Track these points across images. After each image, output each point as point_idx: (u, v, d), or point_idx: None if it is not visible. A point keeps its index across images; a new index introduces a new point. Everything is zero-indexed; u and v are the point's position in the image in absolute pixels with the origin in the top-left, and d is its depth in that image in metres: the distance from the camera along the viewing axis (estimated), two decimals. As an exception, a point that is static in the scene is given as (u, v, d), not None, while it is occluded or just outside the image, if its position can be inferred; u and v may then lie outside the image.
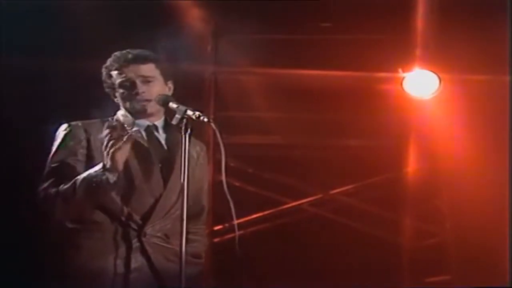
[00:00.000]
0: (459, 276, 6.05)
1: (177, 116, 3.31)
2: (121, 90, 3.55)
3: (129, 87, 3.53)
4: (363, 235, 6.25)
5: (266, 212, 6.37)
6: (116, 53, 3.61)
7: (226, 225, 5.91)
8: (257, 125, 6.36)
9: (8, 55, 5.15)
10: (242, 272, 3.47)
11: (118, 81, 3.55)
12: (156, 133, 3.58)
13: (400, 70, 6.09)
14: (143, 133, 3.55)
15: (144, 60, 3.56)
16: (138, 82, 3.52)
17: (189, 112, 3.28)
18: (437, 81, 6.03)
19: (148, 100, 3.52)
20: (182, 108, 3.32)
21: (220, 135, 3.27)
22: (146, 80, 3.53)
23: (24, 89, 5.21)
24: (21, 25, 5.21)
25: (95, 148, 3.45)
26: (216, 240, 6.10)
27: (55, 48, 5.30)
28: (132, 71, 3.53)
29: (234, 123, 6.06)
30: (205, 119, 3.27)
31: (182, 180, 3.20)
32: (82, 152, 3.45)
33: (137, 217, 3.41)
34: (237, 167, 6.10)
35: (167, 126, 3.58)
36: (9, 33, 5.18)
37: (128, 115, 3.56)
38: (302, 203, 6.48)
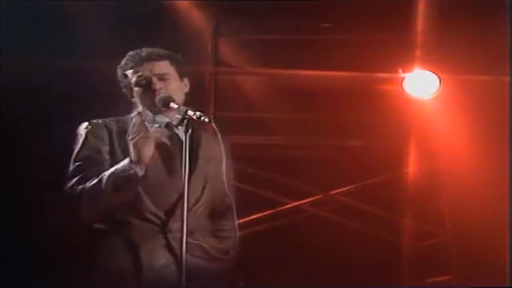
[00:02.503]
0: (459, 276, 6.05)
1: (178, 116, 3.31)
2: (137, 88, 3.55)
3: (146, 84, 3.53)
4: (363, 235, 6.25)
5: (266, 213, 6.37)
6: (130, 52, 3.61)
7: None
8: (257, 125, 6.36)
9: (9, 55, 5.15)
10: (242, 272, 3.46)
11: (134, 79, 3.55)
12: (175, 130, 3.58)
13: (400, 70, 6.08)
14: (165, 130, 3.55)
15: (158, 57, 3.57)
16: (154, 79, 3.53)
17: (190, 113, 3.28)
18: (437, 81, 6.03)
19: None
20: (183, 108, 3.33)
21: (220, 135, 3.27)
22: (162, 78, 3.54)
23: (26, 89, 5.21)
24: (21, 25, 5.21)
25: (117, 145, 3.46)
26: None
27: (54, 48, 5.30)
28: (147, 69, 3.54)
29: (234, 123, 6.06)
30: (206, 119, 3.27)
31: (183, 179, 3.20)
32: (105, 149, 3.46)
33: (161, 214, 3.41)
34: (237, 167, 6.08)
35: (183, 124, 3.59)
36: (9, 33, 5.18)
37: (148, 112, 3.55)
38: (302, 204, 6.48)
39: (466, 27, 5.67)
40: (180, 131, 3.54)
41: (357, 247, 6.11)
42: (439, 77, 6.03)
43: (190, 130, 3.25)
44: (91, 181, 3.35)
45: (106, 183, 3.31)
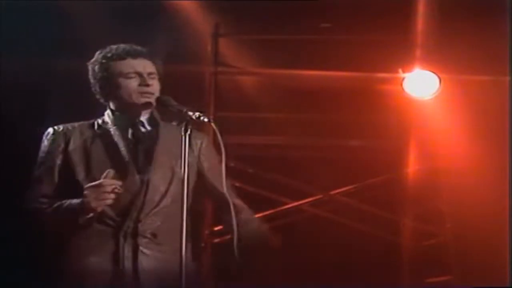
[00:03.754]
0: (459, 276, 6.05)
1: (176, 118, 3.30)
2: (126, 81, 3.48)
3: (138, 78, 3.48)
4: (363, 235, 6.24)
5: (266, 213, 6.35)
6: (114, 46, 3.55)
7: (226, 225, 5.90)
8: (257, 125, 6.36)
9: (8, 55, 5.14)
10: (242, 272, 3.45)
11: (126, 71, 3.48)
12: (142, 128, 3.53)
13: (400, 70, 6.08)
14: (129, 130, 3.49)
15: (147, 55, 3.54)
16: (145, 75, 3.50)
17: (189, 113, 3.26)
18: (437, 81, 6.03)
19: (152, 94, 3.49)
20: (182, 108, 3.31)
21: (220, 135, 3.26)
22: (150, 76, 3.51)
23: (24, 89, 5.21)
24: (21, 25, 5.21)
25: (73, 152, 3.44)
26: (216, 240, 6.10)
27: (54, 48, 5.30)
28: (141, 65, 3.50)
29: (234, 123, 6.06)
30: (205, 119, 3.25)
31: (183, 180, 3.18)
32: (60, 157, 3.45)
33: (116, 217, 3.38)
34: (237, 167, 6.10)
35: (152, 120, 3.55)
36: (9, 33, 5.18)
37: (116, 111, 3.51)
38: (302, 204, 6.48)
39: (466, 27, 5.67)
40: (147, 129, 3.52)
41: (357, 247, 6.11)
42: (439, 77, 6.03)
43: (189, 130, 3.23)
44: (45, 198, 3.39)
45: (57, 215, 3.35)
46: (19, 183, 3.53)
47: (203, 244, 5.99)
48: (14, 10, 5.24)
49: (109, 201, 3.28)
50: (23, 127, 4.94)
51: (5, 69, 5.13)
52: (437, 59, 6.01)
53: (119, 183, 3.30)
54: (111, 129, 3.48)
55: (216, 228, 6.10)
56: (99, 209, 3.29)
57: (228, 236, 3.46)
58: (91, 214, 3.30)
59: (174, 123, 3.41)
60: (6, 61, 5.14)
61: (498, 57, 5.69)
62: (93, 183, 3.28)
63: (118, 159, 3.42)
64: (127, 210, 3.38)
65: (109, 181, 3.28)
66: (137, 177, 3.41)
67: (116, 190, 3.28)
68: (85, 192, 3.27)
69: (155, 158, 3.44)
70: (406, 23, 5.93)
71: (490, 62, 5.74)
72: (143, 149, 3.48)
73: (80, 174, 3.40)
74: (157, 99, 3.46)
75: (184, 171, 3.19)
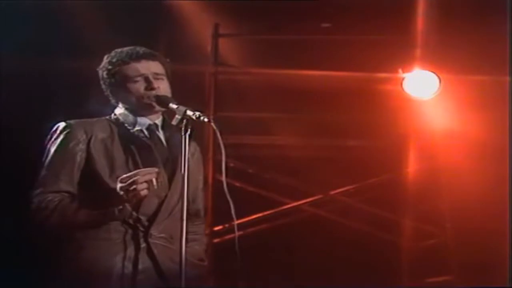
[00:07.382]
0: (460, 277, 6.05)
1: (177, 116, 3.28)
2: (133, 85, 3.46)
3: (144, 82, 3.46)
4: (363, 235, 6.25)
5: (266, 213, 6.37)
6: (120, 49, 3.53)
7: (226, 225, 5.91)
8: (257, 125, 6.36)
9: (8, 55, 5.15)
10: (242, 272, 3.45)
11: (131, 75, 3.46)
12: (157, 132, 3.55)
13: (400, 70, 6.09)
14: (145, 132, 3.53)
15: (153, 57, 3.52)
16: (151, 77, 3.48)
17: (189, 113, 3.24)
18: (437, 81, 6.04)
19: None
20: (182, 108, 3.30)
21: (220, 135, 3.26)
22: (157, 77, 3.48)
23: (24, 88, 5.21)
24: (21, 25, 5.21)
25: (95, 149, 3.39)
26: (216, 240, 6.10)
27: (54, 48, 5.31)
28: (145, 67, 3.47)
29: (234, 123, 6.06)
30: (205, 119, 3.24)
31: (182, 180, 3.18)
32: (81, 154, 3.39)
33: (143, 218, 3.36)
34: (237, 167, 6.10)
35: (165, 125, 3.55)
36: (9, 33, 5.18)
37: (129, 114, 3.52)
38: (302, 204, 6.48)
39: (466, 27, 5.67)
40: (161, 133, 3.53)
41: (357, 247, 6.11)
42: (439, 77, 6.03)
43: (189, 130, 3.23)
44: (62, 197, 3.32)
45: (82, 213, 3.28)
46: (21, 182, 3.50)
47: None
48: (14, 10, 5.25)
49: (145, 190, 3.20)
50: (23, 126, 4.95)
51: (5, 68, 5.13)
52: (437, 59, 6.02)
53: (156, 170, 3.25)
54: (130, 130, 3.47)
55: (216, 228, 6.10)
56: (143, 194, 3.20)
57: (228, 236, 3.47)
58: (125, 206, 3.25)
59: (174, 123, 3.40)
60: (6, 61, 5.14)
61: (498, 57, 5.69)
62: (130, 173, 3.21)
63: (147, 162, 3.39)
64: (155, 213, 3.38)
65: (146, 170, 3.23)
66: (166, 182, 3.42)
67: (153, 177, 3.21)
68: (120, 184, 3.18)
69: (175, 164, 3.44)
70: (406, 23, 5.93)
71: (490, 62, 5.74)
72: (162, 154, 3.48)
73: (104, 173, 3.36)
74: (157, 98, 3.45)
75: (184, 171, 3.19)
